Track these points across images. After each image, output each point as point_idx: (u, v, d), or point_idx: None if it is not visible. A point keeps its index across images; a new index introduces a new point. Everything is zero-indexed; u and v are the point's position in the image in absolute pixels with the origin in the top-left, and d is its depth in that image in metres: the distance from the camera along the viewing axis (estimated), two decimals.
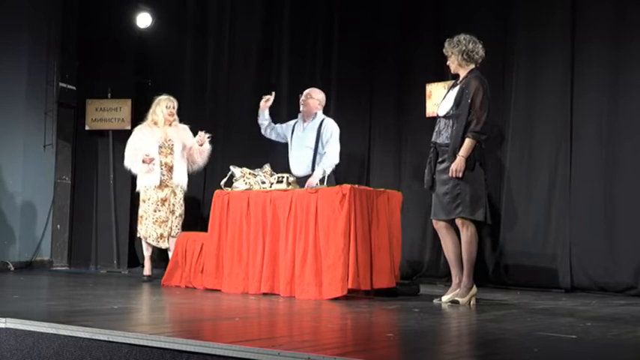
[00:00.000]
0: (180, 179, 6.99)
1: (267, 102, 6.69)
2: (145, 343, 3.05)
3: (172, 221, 6.91)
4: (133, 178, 9.03)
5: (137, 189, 7.11)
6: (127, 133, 8.71)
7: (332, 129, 6.51)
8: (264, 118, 6.78)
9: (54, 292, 5.88)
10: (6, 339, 3.38)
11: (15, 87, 8.39)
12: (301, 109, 6.64)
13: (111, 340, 3.14)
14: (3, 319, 3.46)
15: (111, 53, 8.82)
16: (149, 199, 6.92)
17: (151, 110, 7.11)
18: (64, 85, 8.67)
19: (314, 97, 6.61)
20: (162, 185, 6.92)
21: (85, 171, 8.93)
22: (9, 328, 3.42)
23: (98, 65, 8.85)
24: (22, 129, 8.42)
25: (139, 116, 8.78)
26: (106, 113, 8.71)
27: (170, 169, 6.98)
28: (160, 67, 9.02)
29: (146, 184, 6.95)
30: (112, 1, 8.90)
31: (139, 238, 7.20)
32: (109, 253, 8.64)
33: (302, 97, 6.64)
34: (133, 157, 7.02)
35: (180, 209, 6.97)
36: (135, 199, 7.64)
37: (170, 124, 7.06)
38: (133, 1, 8.68)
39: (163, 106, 7.03)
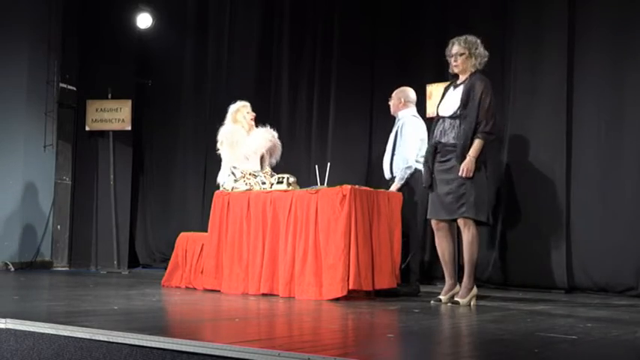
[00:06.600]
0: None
1: None
2: (145, 344, 3.05)
3: None
4: (133, 179, 9.08)
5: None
6: (128, 134, 8.75)
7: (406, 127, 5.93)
8: None
9: (54, 293, 5.87)
10: (6, 339, 3.38)
11: (15, 87, 8.40)
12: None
13: (111, 340, 3.14)
14: (3, 320, 3.46)
15: (111, 53, 8.84)
16: None
17: (230, 119, 6.58)
18: (64, 85, 8.69)
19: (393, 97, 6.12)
20: None
21: (85, 171, 8.94)
22: (9, 329, 3.42)
23: (98, 65, 8.86)
24: (22, 129, 8.43)
25: (139, 117, 8.81)
26: (106, 114, 8.71)
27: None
28: (160, 67, 9.04)
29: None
30: (112, 2, 8.91)
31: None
32: (109, 253, 8.65)
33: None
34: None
35: None
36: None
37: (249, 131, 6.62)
38: (133, 1, 8.69)
39: (245, 112, 6.58)
